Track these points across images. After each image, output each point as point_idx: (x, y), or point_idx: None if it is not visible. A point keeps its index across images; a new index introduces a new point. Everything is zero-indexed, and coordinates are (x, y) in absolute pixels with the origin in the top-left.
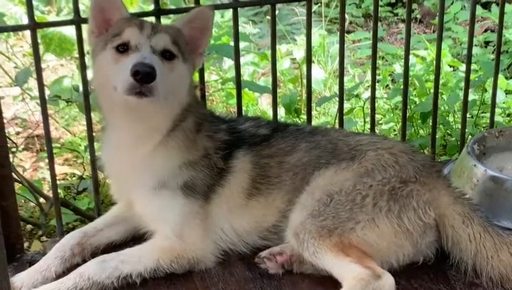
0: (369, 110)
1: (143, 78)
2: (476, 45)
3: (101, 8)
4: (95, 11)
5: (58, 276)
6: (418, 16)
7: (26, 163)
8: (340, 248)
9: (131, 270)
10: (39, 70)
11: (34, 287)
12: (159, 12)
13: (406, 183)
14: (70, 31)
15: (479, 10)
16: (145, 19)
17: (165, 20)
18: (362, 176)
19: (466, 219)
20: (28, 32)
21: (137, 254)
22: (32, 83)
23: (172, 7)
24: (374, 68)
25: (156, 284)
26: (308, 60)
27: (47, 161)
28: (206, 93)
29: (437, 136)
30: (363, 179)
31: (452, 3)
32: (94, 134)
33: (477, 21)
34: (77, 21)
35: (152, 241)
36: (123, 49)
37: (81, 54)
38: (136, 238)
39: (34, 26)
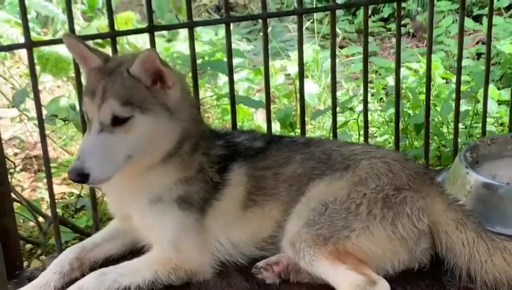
0: (363, 122)
1: (77, 182)
2: (468, 57)
3: (74, 53)
4: (71, 53)
5: None
6: (411, 31)
7: (24, 183)
8: (335, 255)
9: (130, 282)
10: (36, 89)
11: None
12: (152, 29)
13: (400, 190)
14: (66, 51)
15: (471, 23)
16: (139, 36)
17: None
18: (356, 185)
19: (459, 225)
20: (24, 54)
21: (135, 266)
22: (29, 104)
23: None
24: (366, 81)
25: None
26: (301, 73)
27: (45, 181)
28: (202, 110)
29: (431, 148)
30: (357, 188)
31: (444, 17)
32: None
33: (469, 34)
34: None
35: (149, 254)
36: (87, 113)
37: (77, 73)
38: (134, 252)
39: (30, 45)
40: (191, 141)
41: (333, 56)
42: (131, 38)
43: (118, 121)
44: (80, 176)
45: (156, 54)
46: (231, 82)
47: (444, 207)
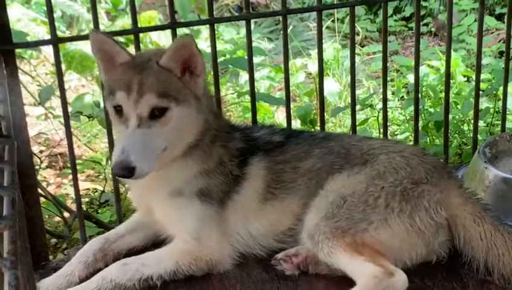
0: (382, 120)
1: (122, 177)
2: (489, 56)
3: (99, 50)
4: (94, 52)
5: (82, 280)
6: (433, 29)
7: (49, 180)
8: (353, 247)
9: (152, 272)
10: (62, 85)
11: None
12: (174, 25)
13: (418, 184)
14: (90, 49)
15: (493, 22)
16: (162, 35)
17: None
18: (374, 179)
19: (477, 218)
20: (50, 53)
21: (157, 257)
22: (54, 102)
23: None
24: (385, 78)
25: (175, 286)
26: (320, 69)
27: (70, 177)
28: (224, 109)
29: (452, 145)
30: (375, 181)
31: (466, 16)
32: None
33: (491, 33)
34: None
35: (171, 245)
36: (119, 108)
37: None
38: (156, 244)
39: (56, 41)
40: (211, 133)
41: (352, 52)
42: (154, 36)
43: (155, 115)
44: (126, 170)
45: (193, 40)
46: (251, 79)
47: (462, 201)
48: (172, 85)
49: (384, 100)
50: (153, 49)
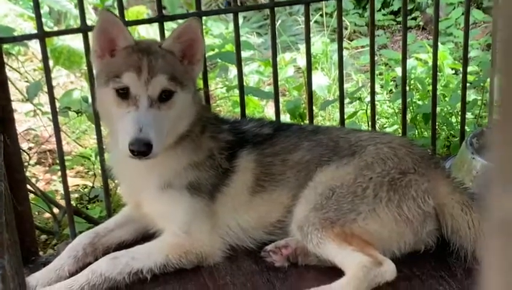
0: (371, 113)
1: (139, 154)
2: (477, 48)
3: (105, 30)
4: (99, 31)
5: (71, 275)
6: (421, 23)
7: (39, 177)
8: (342, 238)
9: (142, 266)
10: (49, 80)
11: (48, 285)
12: (162, 18)
13: (405, 174)
14: (78, 44)
15: (480, 15)
16: (150, 29)
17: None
18: (362, 169)
19: (465, 207)
20: (37, 49)
21: (147, 250)
22: (43, 99)
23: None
24: (373, 71)
25: (166, 279)
26: (308, 62)
27: (59, 173)
28: (213, 103)
29: (441, 137)
30: (363, 172)
31: (454, 9)
32: (103, 139)
33: (479, 25)
34: (84, 29)
35: (161, 238)
36: (123, 91)
37: (89, 64)
38: (146, 237)
39: (43, 35)
40: (200, 124)
41: (340, 45)
42: (142, 31)
43: (162, 97)
44: (146, 146)
45: (199, 24)
46: (240, 72)
47: (449, 190)
48: (178, 69)
49: (373, 93)
50: (148, 39)
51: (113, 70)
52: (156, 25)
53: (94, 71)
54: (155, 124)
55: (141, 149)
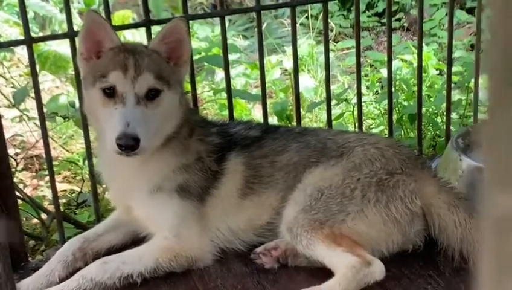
0: (357, 114)
1: (126, 149)
2: (461, 49)
3: (91, 31)
4: (85, 33)
5: (62, 280)
6: (405, 24)
7: (26, 182)
8: (331, 238)
9: (132, 270)
10: (37, 86)
11: None
12: (148, 23)
13: (392, 174)
14: (64, 48)
15: (464, 15)
16: (136, 34)
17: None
18: (350, 171)
19: (451, 206)
20: (23, 54)
21: (137, 254)
22: (29, 104)
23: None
24: (359, 72)
25: (156, 283)
26: (295, 65)
27: (47, 178)
28: (200, 107)
29: (426, 137)
30: (351, 173)
31: (437, 10)
32: (91, 144)
33: (462, 26)
34: (71, 35)
35: (151, 242)
36: (110, 91)
37: (77, 69)
38: (136, 242)
39: (30, 41)
40: (188, 127)
41: (326, 48)
42: (128, 35)
43: (149, 96)
44: (133, 140)
45: (185, 24)
46: (227, 75)
47: (436, 189)
48: (165, 68)
49: (359, 95)
50: (134, 42)
51: (100, 70)
52: (142, 29)
53: (81, 74)
54: (142, 120)
55: (129, 143)
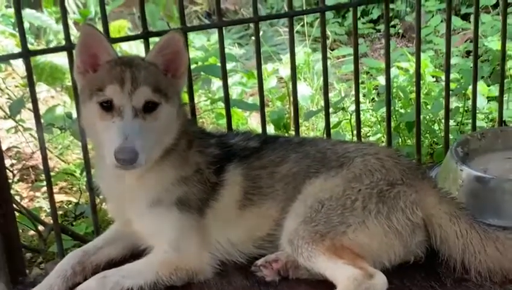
0: (355, 122)
1: (125, 163)
2: (457, 55)
3: (87, 45)
4: (81, 47)
5: None
6: (401, 31)
7: (22, 193)
8: (333, 251)
9: (132, 284)
10: (34, 99)
11: None
12: (147, 35)
13: (393, 185)
14: (61, 60)
15: (459, 22)
16: (132, 44)
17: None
18: (351, 182)
19: (453, 217)
20: (18, 65)
21: (137, 268)
22: (25, 115)
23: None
24: (357, 81)
25: None
26: (293, 75)
27: (43, 190)
28: (197, 116)
29: (424, 145)
30: (351, 184)
31: (432, 17)
32: (89, 155)
33: (458, 32)
34: (69, 47)
35: (151, 256)
36: (107, 104)
37: (74, 81)
38: (135, 255)
39: (27, 54)
40: (186, 138)
41: (324, 57)
42: (125, 46)
43: (146, 109)
44: (132, 153)
45: (182, 36)
46: (225, 85)
47: (437, 200)
48: (162, 81)
49: (357, 103)
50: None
51: (96, 84)
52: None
53: (78, 87)
54: (140, 133)
55: (127, 157)
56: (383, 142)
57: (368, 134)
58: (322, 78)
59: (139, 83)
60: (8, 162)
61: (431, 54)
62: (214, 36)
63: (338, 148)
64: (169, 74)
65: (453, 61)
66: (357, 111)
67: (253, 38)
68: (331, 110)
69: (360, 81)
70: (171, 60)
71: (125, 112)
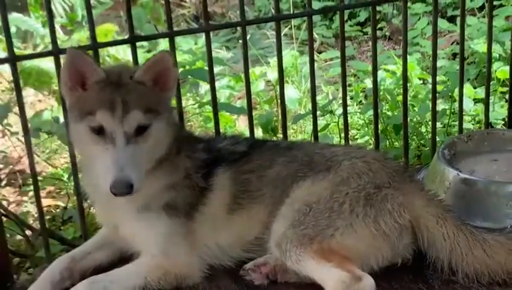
0: (343, 125)
1: (121, 194)
2: (443, 58)
3: (74, 65)
4: (68, 68)
5: None
6: (387, 34)
7: (9, 198)
8: (321, 254)
9: (120, 289)
10: (21, 104)
11: None
12: (134, 39)
13: (380, 188)
14: (47, 64)
15: (445, 24)
16: (119, 47)
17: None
18: (338, 185)
19: (440, 219)
20: (3, 69)
21: (125, 273)
22: (11, 119)
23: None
24: (344, 84)
25: None
26: (280, 78)
27: (30, 194)
28: (185, 119)
29: (411, 147)
30: (339, 188)
31: (419, 19)
32: (77, 159)
33: (444, 35)
34: (56, 52)
35: (139, 261)
36: (98, 128)
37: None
38: (123, 259)
39: (14, 59)
40: (176, 144)
41: (311, 60)
42: (112, 49)
43: (138, 131)
44: (128, 187)
45: (170, 56)
46: (213, 89)
47: (424, 202)
48: (151, 99)
49: (345, 106)
50: (116, 65)
51: (86, 107)
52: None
53: (66, 103)
54: (134, 161)
55: (123, 191)
56: (370, 144)
57: (356, 137)
58: (309, 81)
59: (130, 108)
60: None
61: (418, 56)
62: (202, 39)
63: (326, 151)
64: (157, 88)
65: (439, 63)
66: (345, 114)
67: (240, 41)
68: (318, 113)
69: (347, 83)
70: (160, 75)
71: (117, 139)
